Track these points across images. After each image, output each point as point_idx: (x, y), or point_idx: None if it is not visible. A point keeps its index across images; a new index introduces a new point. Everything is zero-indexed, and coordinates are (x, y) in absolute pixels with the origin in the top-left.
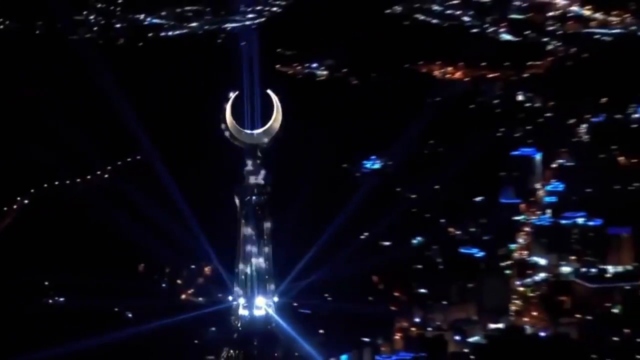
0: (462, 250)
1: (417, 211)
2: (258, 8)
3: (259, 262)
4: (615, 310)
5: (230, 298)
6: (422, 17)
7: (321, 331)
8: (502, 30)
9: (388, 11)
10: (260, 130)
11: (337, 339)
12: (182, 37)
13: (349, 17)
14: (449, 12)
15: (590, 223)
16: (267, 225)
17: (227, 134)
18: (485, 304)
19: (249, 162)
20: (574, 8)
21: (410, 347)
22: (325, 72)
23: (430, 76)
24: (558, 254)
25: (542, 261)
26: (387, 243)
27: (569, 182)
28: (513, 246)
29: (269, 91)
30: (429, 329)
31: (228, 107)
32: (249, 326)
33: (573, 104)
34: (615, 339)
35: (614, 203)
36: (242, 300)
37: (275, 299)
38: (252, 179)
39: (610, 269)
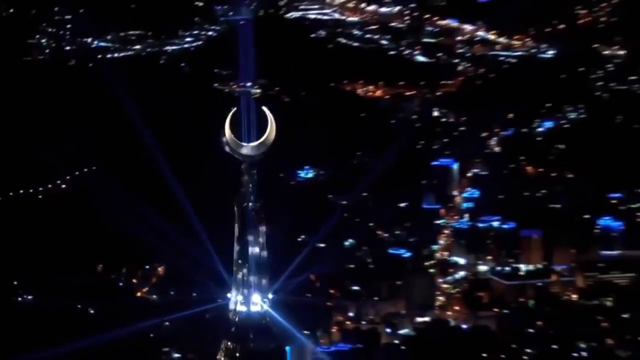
0: (391, 251)
1: (348, 216)
2: (195, 32)
3: (256, 262)
4: (529, 305)
5: (229, 295)
6: (344, 41)
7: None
8: (416, 52)
9: (313, 35)
10: (255, 143)
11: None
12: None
13: (278, 40)
14: (368, 36)
15: (504, 226)
16: (262, 228)
17: (226, 148)
18: (412, 299)
19: (246, 172)
20: (481, 33)
21: (347, 339)
22: (259, 90)
23: (354, 94)
24: (476, 254)
25: (462, 261)
26: (322, 245)
27: (484, 189)
28: (435, 247)
29: (263, 108)
30: (363, 322)
31: (227, 122)
32: (246, 321)
33: (484, 119)
34: (530, 330)
35: (525, 208)
36: (239, 297)
37: (270, 295)
38: (249, 187)
39: (523, 267)
